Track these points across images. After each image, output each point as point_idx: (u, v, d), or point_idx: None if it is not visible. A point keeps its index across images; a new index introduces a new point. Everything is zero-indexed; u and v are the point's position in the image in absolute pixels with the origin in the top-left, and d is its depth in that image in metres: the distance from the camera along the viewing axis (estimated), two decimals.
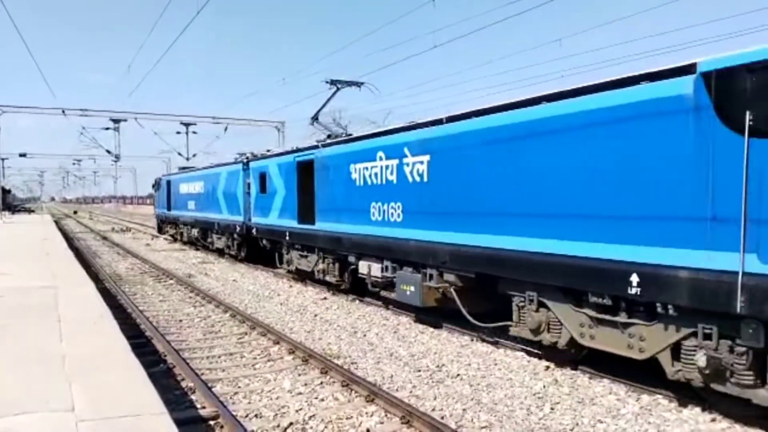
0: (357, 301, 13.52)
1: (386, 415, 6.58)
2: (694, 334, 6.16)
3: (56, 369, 5.92)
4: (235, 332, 10.79)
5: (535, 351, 8.76)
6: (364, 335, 10.45)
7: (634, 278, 6.54)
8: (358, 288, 13.76)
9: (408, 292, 10.77)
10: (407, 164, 10.77)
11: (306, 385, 7.68)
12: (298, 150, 15.95)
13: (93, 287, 11.64)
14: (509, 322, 8.80)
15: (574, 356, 8.09)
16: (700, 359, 5.98)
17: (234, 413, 6.52)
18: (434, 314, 10.98)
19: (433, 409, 6.74)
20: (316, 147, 14.86)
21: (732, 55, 5.78)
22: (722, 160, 5.73)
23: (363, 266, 12.47)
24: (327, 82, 17.12)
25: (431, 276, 10.22)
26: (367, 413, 6.65)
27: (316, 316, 12.19)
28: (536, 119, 7.89)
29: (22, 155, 61.52)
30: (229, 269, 20.09)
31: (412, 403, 6.80)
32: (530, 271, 8.00)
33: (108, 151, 42.31)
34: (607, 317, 7.12)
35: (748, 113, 5.49)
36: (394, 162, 11.19)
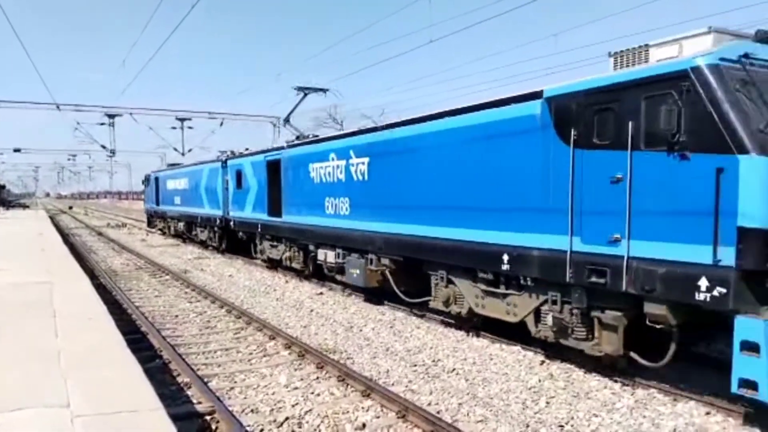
0: (353, 296, 13.54)
1: (382, 410, 6.59)
2: (547, 301, 7.90)
3: (52, 365, 5.91)
4: (231, 327, 10.78)
5: (530, 347, 8.79)
6: (360, 330, 10.46)
7: (505, 257, 8.34)
8: (319, 274, 15.36)
9: (355, 275, 12.42)
10: (353, 165, 12.51)
11: (302, 380, 7.69)
12: (268, 150, 17.76)
13: (88, 283, 11.61)
14: (430, 298, 10.53)
15: (475, 323, 9.86)
16: (549, 320, 7.86)
17: (230, 408, 6.53)
18: (375, 293, 12.63)
19: (429, 404, 6.76)
20: (282, 148, 16.65)
21: (564, 84, 7.55)
22: (557, 166, 7.49)
23: (321, 254, 14.19)
24: (295, 89, 19.14)
25: (371, 260, 11.94)
26: (363, 408, 6.67)
27: (312, 311, 12.20)
28: (440, 130, 9.77)
29: (17, 150, 61.21)
30: (224, 265, 20.07)
31: (408, 398, 6.83)
32: (441, 254, 9.84)
33: (103, 147, 42.19)
34: (492, 289, 8.93)
35: (573, 130, 7.24)
36: (343, 162, 12.95)
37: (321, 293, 14.16)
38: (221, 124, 38.95)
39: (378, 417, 6.44)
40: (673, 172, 6.30)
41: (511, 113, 8.34)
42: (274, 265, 18.07)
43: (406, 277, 11.39)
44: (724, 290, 5.83)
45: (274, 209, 16.66)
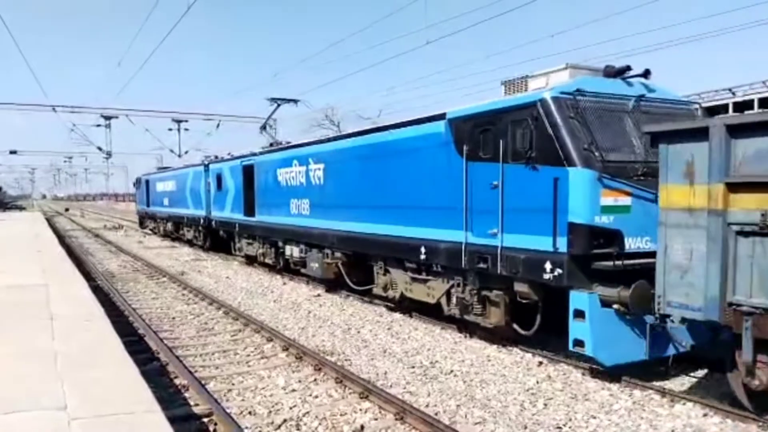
0: (350, 298, 13.53)
1: (380, 412, 6.58)
2: (453, 284, 9.68)
3: (48, 367, 5.89)
4: (228, 329, 10.76)
5: (527, 349, 8.80)
6: (358, 332, 10.45)
7: (423, 249, 10.10)
8: (288, 268, 16.75)
9: (314, 268, 14.23)
10: (311, 170, 14.37)
11: (300, 382, 7.67)
12: (244, 156, 19.53)
13: (85, 285, 11.58)
14: (373, 285, 12.33)
15: (407, 306, 11.50)
16: (455, 300, 9.62)
17: (228, 410, 6.51)
18: (332, 284, 14.36)
19: (427, 406, 6.76)
20: (255, 154, 18.58)
21: (460, 108, 9.41)
22: (455, 174, 9.22)
23: (288, 249, 16.01)
24: (268, 100, 21.69)
25: (327, 255, 13.72)
26: (361, 410, 6.65)
27: (309, 313, 12.18)
28: (375, 143, 11.70)
29: (13, 152, 61.07)
30: (222, 266, 20.03)
31: (406, 400, 6.82)
32: (379, 248, 11.66)
33: (99, 148, 42.04)
34: (416, 276, 10.71)
35: (465, 146, 9.04)
36: (304, 168, 14.78)
37: (318, 295, 14.14)
38: (218, 125, 38.83)
39: (376, 419, 6.43)
40: (528, 181, 8.00)
41: (424, 131, 10.24)
42: (251, 261, 19.55)
43: (355, 268, 13.16)
44: (561, 271, 7.51)
45: (249, 210, 18.36)
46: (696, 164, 6.08)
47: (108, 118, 37.99)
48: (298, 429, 6.17)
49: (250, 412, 6.63)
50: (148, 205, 35.74)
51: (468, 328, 9.90)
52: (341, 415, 6.52)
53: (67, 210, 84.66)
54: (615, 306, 7.20)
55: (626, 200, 7.47)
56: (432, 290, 10.37)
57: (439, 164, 9.74)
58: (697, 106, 9.47)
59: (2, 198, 74.36)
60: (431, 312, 10.87)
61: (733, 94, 39.79)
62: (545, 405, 6.76)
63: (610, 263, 7.22)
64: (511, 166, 8.29)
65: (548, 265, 7.67)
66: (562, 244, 7.48)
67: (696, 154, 6.06)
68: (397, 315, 11.62)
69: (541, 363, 8.29)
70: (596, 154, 7.42)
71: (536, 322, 8.40)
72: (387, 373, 8.02)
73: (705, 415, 6.38)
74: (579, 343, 7.40)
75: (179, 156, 39.64)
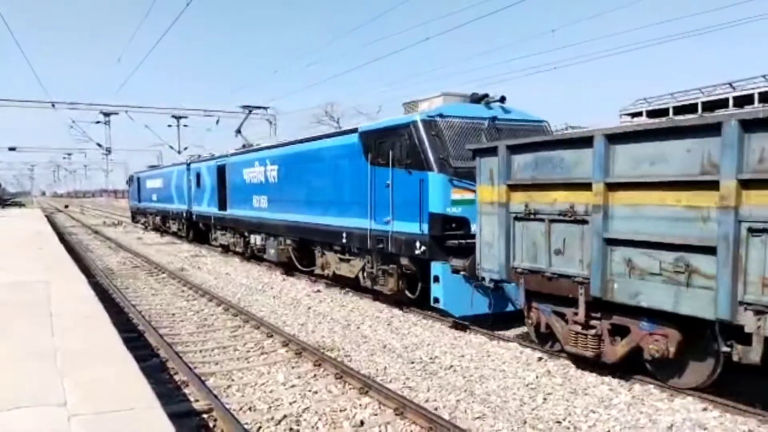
0: (350, 294, 13.54)
1: (380, 407, 6.59)
2: (365, 262, 12.27)
3: (48, 364, 5.89)
4: (228, 325, 10.77)
5: (527, 344, 8.80)
6: (358, 328, 10.46)
7: (344, 235, 12.63)
8: (255, 256, 19.16)
9: (272, 253, 16.81)
10: (269, 170, 16.82)
11: (300, 377, 7.68)
12: (218, 157, 22.22)
13: (85, 282, 11.58)
14: (315, 267, 14.88)
15: (347, 282, 13.74)
16: (366, 274, 12.32)
17: (228, 406, 6.52)
18: (286, 267, 16.79)
19: (427, 401, 6.76)
20: (227, 155, 21.10)
21: (366, 124, 12.12)
22: (364, 176, 11.67)
23: (252, 238, 18.65)
24: (241, 107, 25.77)
25: (281, 242, 16.32)
26: (360, 405, 6.66)
27: (309, 308, 12.19)
28: (311, 149, 14.38)
29: (12, 149, 60.98)
30: (221, 263, 20.04)
31: (406, 395, 6.82)
32: (316, 235, 14.16)
33: (99, 145, 42.07)
34: (342, 257, 13.36)
35: (369, 154, 11.50)
36: (263, 168, 17.23)
37: (318, 291, 14.15)
38: (217, 121, 38.83)
39: (376, 414, 6.44)
40: (406, 181, 10.47)
41: (344, 141, 12.78)
42: (225, 250, 22.06)
43: (302, 253, 15.65)
44: (425, 248, 10.12)
45: (222, 204, 21.02)
46: (494, 171, 8.55)
47: (107, 114, 38.02)
48: (298, 425, 6.17)
49: (250, 408, 6.64)
50: (139, 201, 38.33)
51: (375, 295, 12.54)
52: (341, 410, 6.53)
53: (66, 207, 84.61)
54: (462, 273, 9.63)
55: (470, 196, 9.61)
56: (353, 267, 12.97)
57: (353, 168, 12.29)
58: (546, 123, 11.85)
59: (1, 195, 74.30)
60: (352, 285, 13.64)
61: (733, 88, 39.69)
62: (545, 400, 6.77)
63: (456, 242, 9.83)
64: (397, 170, 10.78)
65: (418, 244, 10.32)
66: (425, 228, 10.08)
67: (493, 165, 8.52)
68: (397, 311, 11.64)
69: (540, 358, 8.30)
70: (449, 162, 9.97)
71: (418, 288, 11.08)
72: (387, 369, 8.03)
73: (704, 409, 6.39)
74: (436, 300, 10.17)
75: (178, 152, 39.64)
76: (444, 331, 9.99)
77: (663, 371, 7.06)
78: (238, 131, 24.75)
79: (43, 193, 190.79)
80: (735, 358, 5.89)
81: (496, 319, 10.01)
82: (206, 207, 23.16)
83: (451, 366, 8.09)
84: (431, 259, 10.11)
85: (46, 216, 44.85)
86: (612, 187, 6.84)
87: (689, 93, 42.66)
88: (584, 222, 7.22)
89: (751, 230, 5.49)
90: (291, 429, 6.08)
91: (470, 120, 10.64)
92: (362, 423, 6.19)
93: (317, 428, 6.11)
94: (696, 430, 5.92)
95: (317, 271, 14.78)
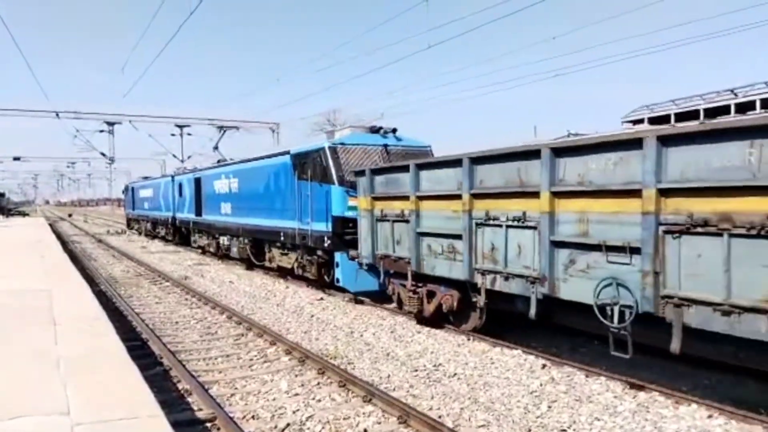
0: (353, 302, 13.52)
1: (383, 415, 6.57)
2: (298, 254, 15.52)
3: (51, 372, 5.88)
4: (231, 333, 10.76)
5: (531, 351, 8.77)
6: (361, 335, 10.44)
7: (282, 234, 16.00)
8: (225, 256, 22.58)
9: (234, 251, 20.70)
10: (231, 182, 20.58)
11: (303, 385, 7.66)
12: (196, 170, 26.35)
13: (88, 289, 11.58)
14: (265, 261, 18.15)
15: (288, 272, 16.91)
16: (298, 264, 15.46)
17: (231, 415, 6.50)
18: (247, 263, 20.10)
19: (431, 409, 6.74)
20: (202, 170, 25.29)
21: (295, 147, 15.32)
22: (293, 189, 15.03)
23: (221, 240, 22.42)
24: (217, 127, 31.94)
25: (241, 242, 20.00)
26: (364, 413, 6.64)
27: (312, 316, 12.17)
28: (256, 166, 18.15)
29: (16, 159, 61.18)
30: (225, 271, 20.04)
31: (410, 403, 6.80)
32: (264, 234, 17.70)
33: (102, 154, 42.21)
34: (283, 251, 16.75)
35: (296, 171, 14.84)
36: (227, 181, 21.05)
37: (321, 299, 14.14)
38: (222, 130, 38.90)
39: (379, 422, 6.41)
40: (319, 192, 13.91)
41: (280, 160, 16.34)
42: (203, 251, 25.37)
43: (256, 250, 18.92)
44: (330, 242, 13.43)
45: (198, 211, 24.76)
46: (365, 187, 11.85)
47: (111, 123, 38.12)
48: None
49: (253, 417, 6.62)
50: (133, 209, 42.62)
51: (307, 282, 15.90)
52: (344, 418, 6.50)
53: (70, 215, 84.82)
54: (355, 260, 12.49)
55: (367, 203, 12.04)
56: (290, 259, 16.29)
57: (286, 182, 15.84)
58: (429, 147, 15.12)
59: (6, 204, 74.49)
60: (289, 273, 16.90)
61: (735, 95, 39.64)
62: (549, 407, 6.74)
63: (350, 237, 12.97)
64: (313, 183, 14.21)
65: (326, 239, 13.67)
66: (330, 227, 13.45)
67: (364, 183, 11.84)
68: (400, 318, 11.61)
69: (544, 365, 8.26)
70: (346, 178, 13.25)
71: (332, 274, 13.96)
72: (390, 377, 8.00)
73: (710, 416, 6.35)
74: (338, 280, 13.56)
75: (182, 161, 39.75)
76: (447, 339, 9.96)
77: (456, 320, 10.44)
78: (215, 148, 30.39)
79: (47, 202, 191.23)
80: (480, 303, 9.26)
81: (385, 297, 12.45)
82: (186, 213, 26.94)
83: (455, 373, 8.06)
84: (335, 250, 13.46)
85: (50, 225, 44.93)
86: (420, 198, 10.25)
87: (691, 100, 42.64)
88: (408, 221, 10.53)
89: (477, 224, 8.95)
90: None
91: (366, 146, 14.09)
92: (366, 431, 6.16)
93: None
94: None
95: (267, 264, 18.10)
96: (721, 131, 5.79)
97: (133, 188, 42.52)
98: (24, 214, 70.50)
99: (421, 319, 10.89)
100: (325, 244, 13.67)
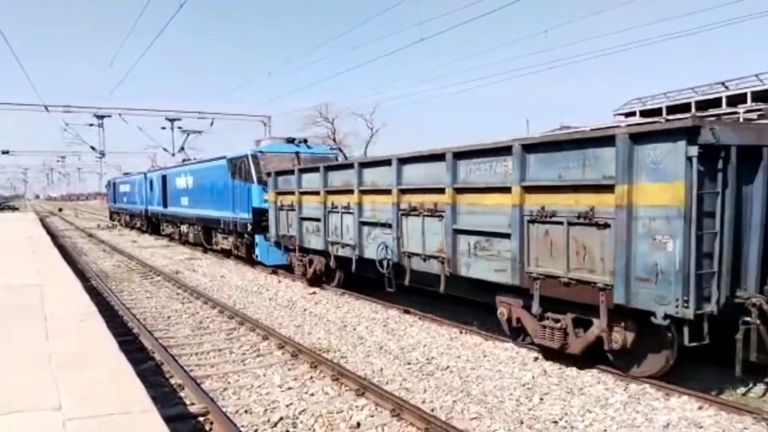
0: (346, 296, 13.52)
1: (376, 409, 6.58)
2: (235, 237, 19.61)
3: (42, 367, 5.86)
4: (223, 328, 10.74)
5: (524, 344, 8.80)
6: (354, 329, 10.45)
7: (221, 221, 20.15)
8: (186, 243, 26.28)
9: (191, 237, 24.91)
10: (188, 180, 24.61)
11: (296, 379, 7.67)
12: (164, 168, 30.76)
13: (79, 285, 11.52)
14: (213, 245, 21.91)
15: (228, 253, 20.70)
16: (234, 246, 19.78)
17: (224, 409, 6.50)
18: (202, 247, 23.88)
19: (423, 402, 6.76)
20: (168, 168, 29.64)
21: (230, 153, 19.65)
22: (229, 186, 19.23)
23: (182, 228, 26.23)
24: (182, 131, 36.68)
25: (195, 229, 24.10)
26: (357, 407, 6.65)
27: (305, 310, 12.17)
28: (204, 167, 22.59)
29: (5, 152, 60.60)
30: (216, 265, 20.00)
31: (402, 396, 6.82)
32: (211, 222, 21.39)
33: (93, 148, 41.89)
34: (225, 236, 20.50)
35: (231, 173, 19.11)
36: (185, 178, 25.08)
37: (314, 293, 14.13)
38: (211, 123, 38.76)
39: (372, 416, 6.43)
40: (243, 189, 17.96)
41: (220, 163, 20.16)
42: (171, 239, 29.00)
43: (207, 236, 22.86)
44: (251, 227, 17.47)
45: (165, 204, 28.65)
46: (272, 185, 15.80)
47: (101, 117, 37.82)
48: (294, 427, 6.16)
49: (246, 411, 6.62)
50: (114, 202, 47.17)
51: (243, 262, 19.65)
52: (338, 412, 6.52)
53: (60, 210, 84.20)
54: (271, 240, 16.35)
55: (273, 197, 15.97)
56: (229, 243, 20.16)
57: (223, 180, 19.82)
58: (336, 153, 20.03)
59: None
60: (227, 254, 20.99)
61: (727, 87, 39.80)
62: (541, 400, 6.78)
63: (265, 223, 16.62)
64: (240, 182, 18.41)
65: (248, 225, 17.71)
66: (251, 216, 17.49)
67: (271, 181, 15.88)
68: (393, 312, 11.63)
69: (536, 358, 8.30)
70: (263, 178, 16.86)
71: (256, 253, 17.73)
72: (383, 370, 8.02)
73: (700, 407, 6.40)
74: (257, 256, 17.56)
75: (172, 155, 39.51)
76: (440, 332, 9.99)
77: (327, 280, 14.54)
78: (182, 148, 36.43)
79: (37, 197, 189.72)
80: (332, 265, 13.55)
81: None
82: (156, 206, 30.74)
83: (448, 367, 8.09)
84: (254, 234, 17.55)
85: (40, 219, 44.62)
86: (302, 193, 14.21)
87: (683, 92, 42.80)
88: (295, 210, 14.55)
89: (328, 211, 13.00)
90: (287, 431, 6.07)
91: (281, 153, 18.26)
92: (359, 425, 6.18)
93: (314, 430, 6.10)
94: (692, 428, 5.93)
95: (215, 247, 21.99)
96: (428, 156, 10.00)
97: (114, 184, 47.44)
98: (14, 209, 69.94)
99: (309, 280, 14.85)
100: (248, 229, 17.91)
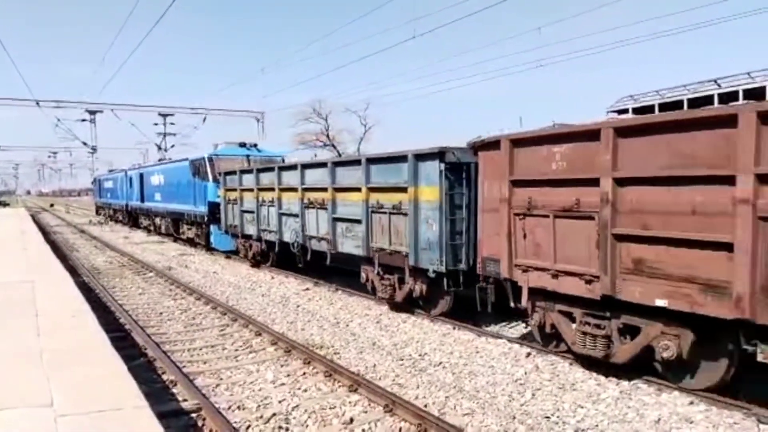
0: (339, 292, 13.52)
1: (369, 404, 6.60)
2: (197, 228, 23.27)
3: (34, 364, 5.83)
4: (216, 324, 10.72)
5: (517, 340, 8.83)
6: (347, 325, 10.45)
7: (186, 214, 23.85)
8: (159, 232, 29.28)
9: (163, 228, 27.97)
10: (160, 177, 27.78)
11: (289, 375, 7.67)
12: (141, 167, 33.95)
13: (71, 281, 11.45)
14: (181, 234, 25.11)
15: (193, 242, 23.80)
16: (196, 236, 23.28)
17: (216, 405, 6.49)
18: (172, 237, 27.03)
19: (416, 398, 6.78)
20: (145, 166, 33.12)
21: (192, 156, 23.61)
22: (191, 183, 22.77)
23: (156, 220, 29.45)
24: (157, 134, 40.25)
25: (166, 221, 27.16)
26: (350, 402, 6.67)
27: (298, 307, 12.16)
28: (171, 167, 26.55)
29: None
30: (209, 261, 19.94)
31: (395, 392, 6.84)
32: (178, 215, 25.05)
33: (84, 143, 41.65)
34: (189, 227, 23.92)
35: (192, 172, 22.74)
36: (159, 176, 28.07)
37: (307, 289, 14.12)
38: (204, 119, 38.62)
39: (365, 411, 6.44)
40: (201, 187, 21.61)
41: (184, 164, 23.65)
42: (147, 231, 31.81)
43: (175, 227, 25.99)
44: (206, 218, 21.21)
45: (142, 199, 31.86)
46: (222, 183, 19.33)
47: (93, 112, 37.61)
48: (287, 423, 6.17)
49: (239, 407, 6.61)
50: (100, 198, 50.51)
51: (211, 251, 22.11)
52: (330, 408, 6.53)
53: (52, 206, 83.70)
54: (222, 230, 19.20)
55: (223, 193, 19.16)
56: (192, 233, 23.44)
57: (186, 179, 23.06)
58: (282, 156, 23.46)
59: None
60: (192, 242, 23.95)
61: (719, 85, 39.99)
62: (533, 395, 6.81)
63: (218, 215, 19.55)
64: (200, 181, 21.51)
65: (205, 217, 20.98)
66: (206, 209, 20.82)
67: (222, 180, 19.33)
68: (385, 308, 11.64)
69: (529, 354, 8.34)
70: (218, 177, 19.59)
71: (211, 240, 20.92)
72: (376, 366, 8.03)
73: (691, 403, 6.45)
74: (212, 243, 20.84)
75: (165, 150, 39.36)
76: (433, 328, 10.01)
77: (263, 261, 17.56)
78: (159, 148, 40.35)
79: (28, 192, 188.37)
80: (263, 247, 17.07)
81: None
82: (135, 201, 33.64)
83: (440, 363, 8.11)
84: (210, 224, 20.89)
85: (32, 215, 44.32)
86: (242, 190, 17.57)
87: (675, 90, 42.93)
88: (237, 203, 17.87)
89: (260, 205, 16.45)
90: (280, 427, 6.07)
91: (233, 156, 21.61)
92: (352, 420, 6.19)
93: (307, 426, 6.11)
94: (683, 423, 5.98)
95: (182, 237, 25.07)
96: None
97: (99, 180, 50.99)
98: (5, 205, 69.43)
99: (251, 262, 18.01)
100: (205, 220, 21.44)
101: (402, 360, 8.29)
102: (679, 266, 6.10)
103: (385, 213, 10.90)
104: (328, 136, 55.39)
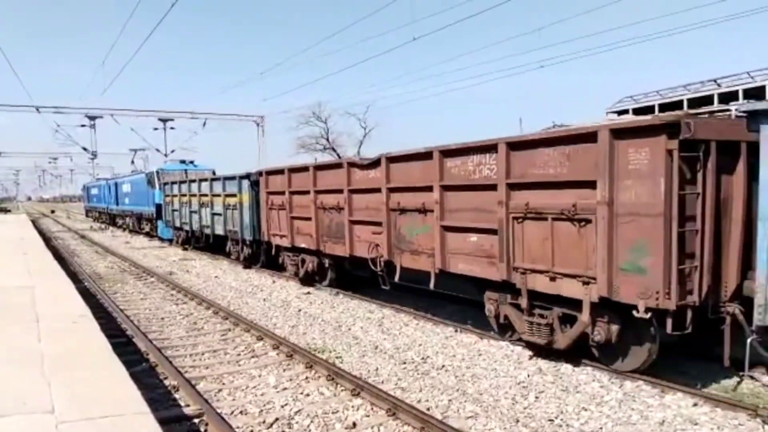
0: (341, 296, 13.50)
1: (372, 408, 6.57)
2: (148, 224, 33.08)
3: (35, 369, 5.80)
4: (218, 329, 10.70)
5: (518, 343, 8.81)
6: (349, 329, 10.42)
7: (143, 214, 33.28)
8: (133, 231, 36.03)
9: (131, 226, 36.60)
10: (128, 186, 36.67)
11: (291, 380, 7.64)
12: (117, 177, 41.59)
13: (72, 286, 11.44)
14: (142, 230, 34.06)
15: (149, 234, 32.87)
16: (152, 228, 32.05)
17: (219, 411, 6.47)
18: (136, 233, 35.33)
19: (419, 401, 6.75)
20: (119, 177, 40.74)
21: (148, 170, 34.29)
22: (148, 190, 31.19)
23: (126, 220, 38.02)
24: (131, 150, 46.51)
25: (133, 220, 36.19)
26: (353, 407, 6.64)
27: (300, 311, 12.14)
28: (133, 179, 36.03)
29: None
30: (210, 266, 19.93)
31: (398, 396, 6.80)
32: (138, 215, 34.66)
33: (84, 149, 41.76)
34: (144, 225, 33.92)
35: (148, 182, 31.22)
36: (127, 185, 36.95)
37: (308, 293, 14.10)
38: (204, 124, 38.73)
39: (368, 416, 6.41)
40: (151, 192, 30.16)
41: (143, 176, 32.48)
42: (129, 231, 37.14)
43: (138, 224, 34.39)
44: (154, 215, 30.24)
45: (117, 203, 39.68)
46: (167, 190, 26.60)
47: (92, 118, 37.70)
48: (290, 427, 6.14)
49: (241, 412, 6.59)
50: (88, 202, 58.87)
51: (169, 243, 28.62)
52: (333, 412, 6.50)
53: (53, 212, 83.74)
54: (165, 224, 27.42)
55: (167, 198, 26.40)
56: (148, 227, 31.82)
57: (145, 187, 31.02)
58: (213, 170, 28.86)
59: None
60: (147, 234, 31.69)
61: (719, 85, 40.00)
62: (537, 398, 6.78)
63: (163, 213, 27.61)
64: (151, 188, 29.90)
65: (152, 214, 30.21)
66: (154, 209, 29.47)
67: (165, 188, 27.06)
68: (387, 311, 11.62)
69: (532, 356, 8.30)
70: (163, 185, 27.36)
71: (158, 231, 29.08)
72: (378, 370, 8.01)
73: (695, 404, 6.42)
74: (159, 233, 29.17)
75: (165, 155, 39.41)
76: (435, 331, 9.98)
77: (196, 245, 24.24)
78: (132, 161, 46.84)
79: (29, 199, 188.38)
80: (191, 234, 24.41)
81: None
82: (114, 205, 41.30)
83: (443, 366, 8.08)
84: (157, 219, 28.27)
85: (32, 221, 44.32)
86: (182, 195, 23.95)
87: (675, 90, 42.91)
88: (170, 204, 25.87)
89: (201, 206, 22.07)
90: None
91: (174, 171, 28.86)
92: (354, 425, 6.16)
93: (309, 431, 6.08)
94: (687, 425, 5.95)
95: (143, 232, 32.59)
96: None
97: (88, 188, 60.56)
98: (5, 211, 69.43)
99: (181, 246, 25.13)
100: (154, 217, 29.20)
101: (404, 363, 8.26)
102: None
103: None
104: (327, 139, 55.46)
